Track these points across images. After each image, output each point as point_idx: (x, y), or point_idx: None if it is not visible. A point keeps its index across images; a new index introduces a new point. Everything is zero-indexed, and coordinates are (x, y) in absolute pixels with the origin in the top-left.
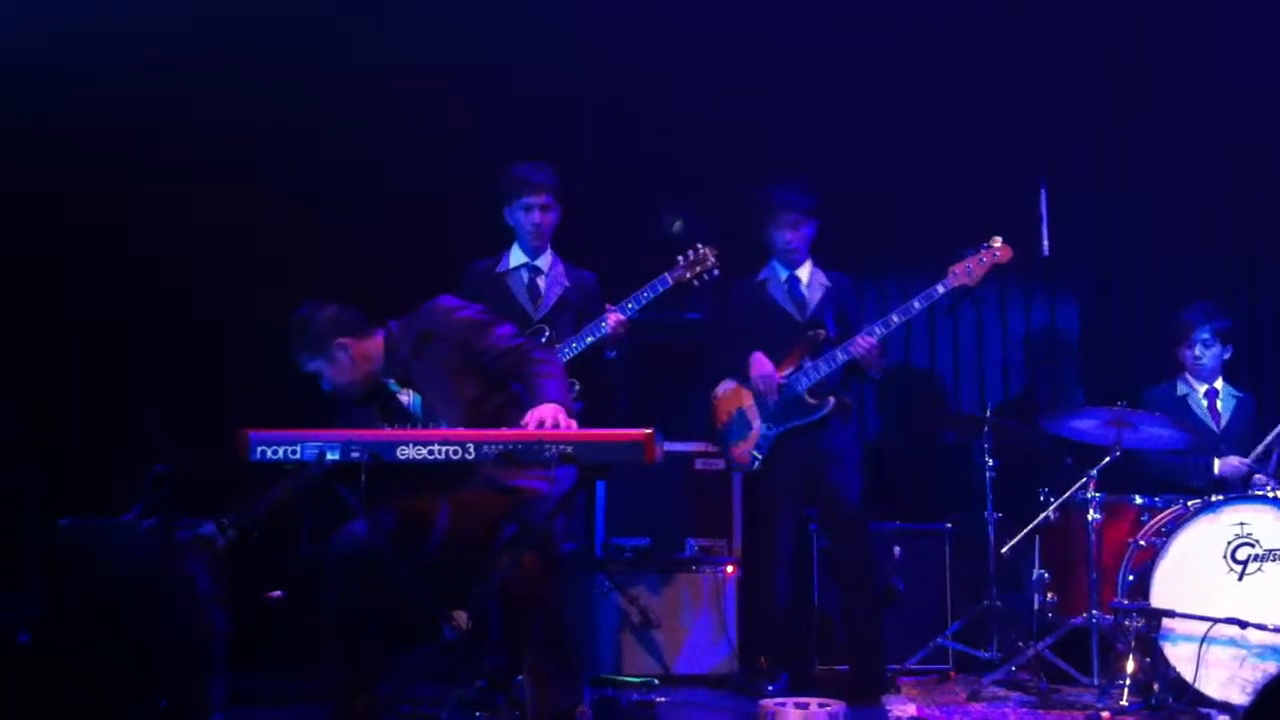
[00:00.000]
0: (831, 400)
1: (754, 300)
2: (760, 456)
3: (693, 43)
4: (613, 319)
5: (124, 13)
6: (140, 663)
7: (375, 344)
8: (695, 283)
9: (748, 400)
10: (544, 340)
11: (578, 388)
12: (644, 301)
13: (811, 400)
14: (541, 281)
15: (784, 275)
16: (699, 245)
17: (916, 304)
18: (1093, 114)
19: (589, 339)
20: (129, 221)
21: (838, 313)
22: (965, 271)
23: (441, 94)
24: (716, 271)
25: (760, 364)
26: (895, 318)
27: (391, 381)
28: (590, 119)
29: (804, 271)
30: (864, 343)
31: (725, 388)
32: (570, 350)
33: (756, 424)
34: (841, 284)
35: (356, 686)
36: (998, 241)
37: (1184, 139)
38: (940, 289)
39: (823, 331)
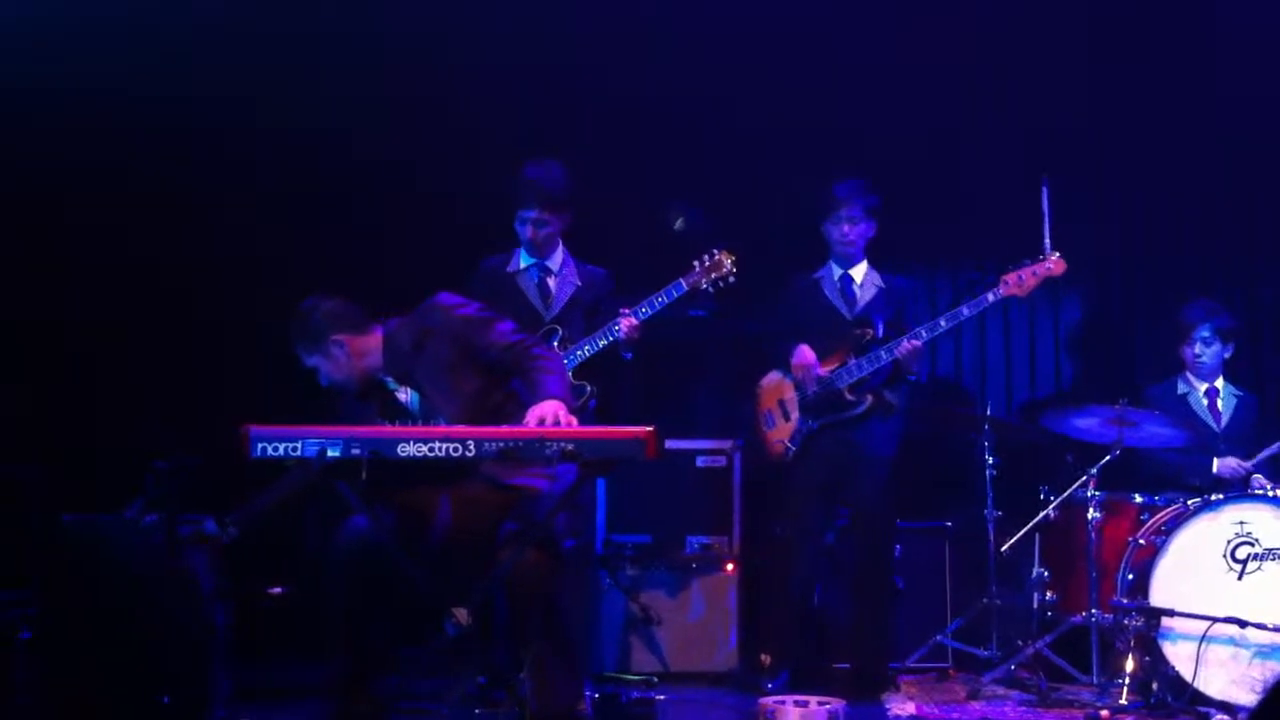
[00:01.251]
0: (869, 399)
1: (807, 298)
2: (794, 448)
3: (703, 45)
4: (626, 323)
5: (124, 11)
6: (142, 659)
7: (373, 341)
8: (710, 289)
9: (789, 392)
10: (557, 341)
11: (589, 389)
12: (658, 307)
13: (850, 397)
14: (552, 282)
15: (838, 274)
16: (714, 251)
17: (965, 310)
18: (1094, 110)
19: (602, 342)
20: (131, 217)
21: (891, 315)
22: (1017, 281)
23: (451, 92)
24: (732, 278)
25: (802, 354)
26: (943, 323)
27: (390, 379)
28: (605, 118)
29: (858, 271)
30: (908, 345)
31: (770, 379)
32: (583, 354)
33: (795, 415)
34: (897, 287)
35: (359, 682)
36: (1054, 255)
37: (1186, 136)
38: (991, 297)
39: (869, 331)
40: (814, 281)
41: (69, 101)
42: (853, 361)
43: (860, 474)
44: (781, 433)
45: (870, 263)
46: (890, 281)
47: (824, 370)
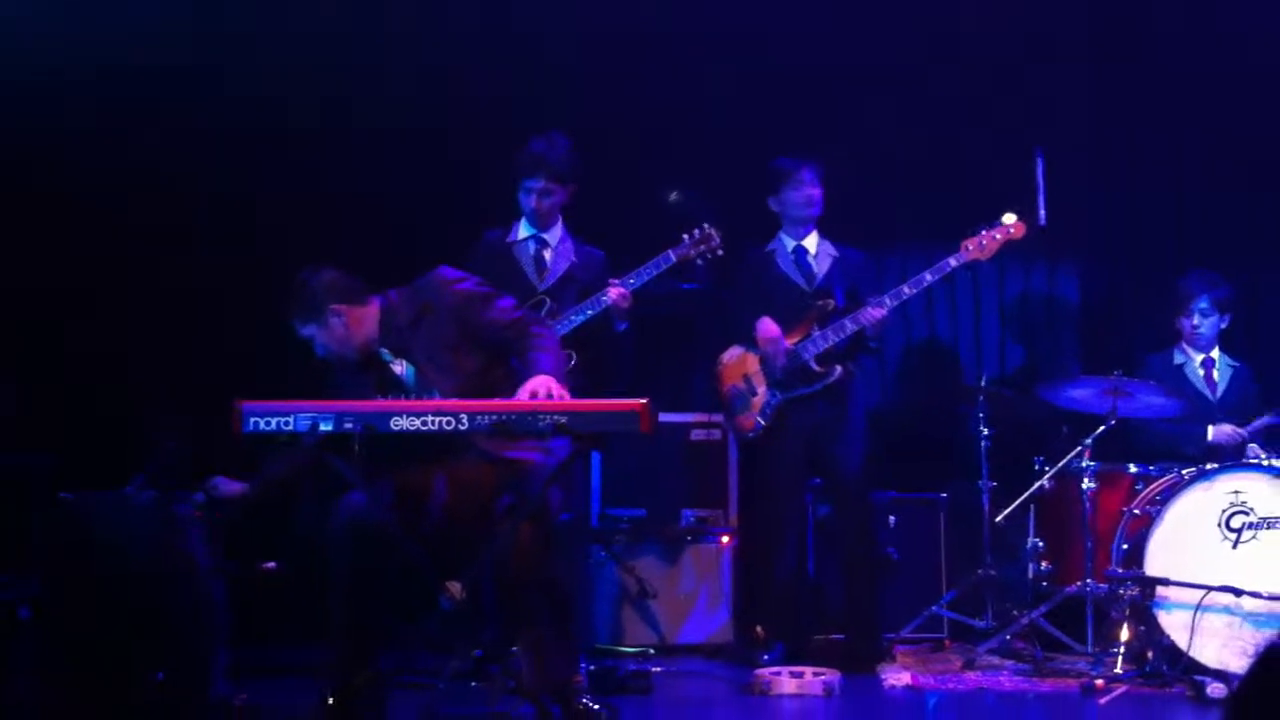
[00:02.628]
0: (838, 369)
1: (762, 270)
2: (764, 423)
3: (701, 24)
4: (614, 292)
5: (123, 8)
6: (140, 636)
7: (371, 312)
8: (699, 261)
9: (753, 366)
10: (545, 312)
11: (574, 361)
12: (647, 277)
13: (818, 369)
14: (548, 254)
15: (791, 245)
16: (705, 225)
17: (928, 276)
18: (1094, 79)
19: (590, 311)
20: (131, 201)
21: (848, 286)
22: (978, 246)
23: (452, 66)
24: (720, 252)
25: (767, 328)
26: (907, 289)
27: (385, 351)
28: (599, 92)
29: (810, 242)
30: (874, 313)
31: (732, 354)
32: (571, 322)
33: (762, 390)
34: (852, 258)
35: (356, 657)
36: (1011, 218)
37: (1187, 105)
38: (953, 262)
39: (831, 302)
40: (767, 254)
41: (68, 90)
42: (817, 333)
43: (835, 446)
44: (750, 409)
45: (821, 233)
46: (844, 252)
47: (789, 343)
